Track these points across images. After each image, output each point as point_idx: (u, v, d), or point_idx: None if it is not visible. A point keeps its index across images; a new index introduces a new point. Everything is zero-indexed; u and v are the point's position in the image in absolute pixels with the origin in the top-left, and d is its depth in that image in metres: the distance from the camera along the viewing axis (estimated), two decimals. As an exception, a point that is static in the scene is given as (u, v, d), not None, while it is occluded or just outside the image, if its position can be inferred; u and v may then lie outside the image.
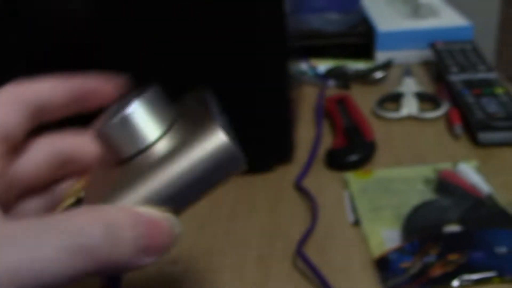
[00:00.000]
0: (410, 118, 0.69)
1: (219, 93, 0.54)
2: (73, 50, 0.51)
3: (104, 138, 0.26)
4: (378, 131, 0.64)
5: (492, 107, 0.65)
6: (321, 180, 0.57)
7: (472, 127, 0.62)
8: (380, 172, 0.56)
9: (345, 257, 0.45)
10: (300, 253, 0.43)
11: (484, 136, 0.60)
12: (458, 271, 0.41)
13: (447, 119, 0.68)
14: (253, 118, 0.56)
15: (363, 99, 0.73)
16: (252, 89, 0.55)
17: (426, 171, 0.56)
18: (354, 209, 0.51)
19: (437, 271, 0.42)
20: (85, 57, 0.51)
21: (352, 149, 0.59)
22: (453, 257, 0.43)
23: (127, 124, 0.26)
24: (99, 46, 0.52)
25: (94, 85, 0.29)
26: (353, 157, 0.58)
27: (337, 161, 0.58)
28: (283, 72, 0.55)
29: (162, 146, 0.26)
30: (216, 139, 0.26)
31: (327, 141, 0.65)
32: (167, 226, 0.23)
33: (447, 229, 0.46)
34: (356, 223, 0.49)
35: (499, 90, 0.68)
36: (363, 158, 0.58)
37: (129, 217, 0.22)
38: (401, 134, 0.66)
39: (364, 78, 0.81)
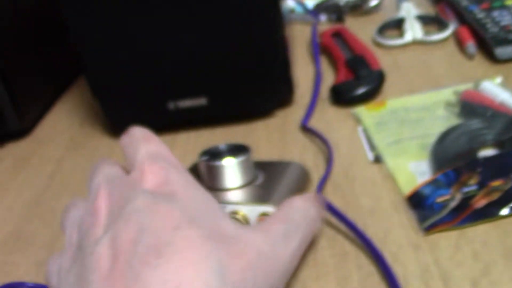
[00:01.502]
0: (415, 43, 0.63)
1: (211, 38, 0.48)
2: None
3: (206, 170, 0.37)
4: (382, 60, 0.57)
5: (505, 19, 0.58)
6: (329, 119, 0.51)
7: (487, 44, 0.56)
8: (394, 102, 0.50)
9: (371, 198, 0.39)
10: (321, 199, 0.37)
11: (502, 51, 0.54)
12: (505, 199, 0.36)
13: (456, 39, 0.61)
14: (249, 61, 0.50)
15: (360, 31, 0.67)
16: (246, 30, 0.48)
17: (445, 95, 0.50)
18: (372, 146, 0.45)
19: (481, 202, 0.36)
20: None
21: (359, 81, 0.53)
22: (496, 183, 0.37)
23: (236, 167, 0.36)
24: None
25: None
26: (362, 89, 0.52)
27: (344, 95, 0.52)
28: (275, 9, 0.49)
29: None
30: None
31: (328, 78, 0.58)
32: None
33: (482, 153, 0.41)
34: (377, 160, 0.43)
35: (509, 1, 0.62)
36: (372, 89, 0.52)
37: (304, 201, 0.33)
38: (408, 60, 0.60)
39: (357, 8, 0.74)
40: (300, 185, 0.38)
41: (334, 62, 0.60)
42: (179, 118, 0.52)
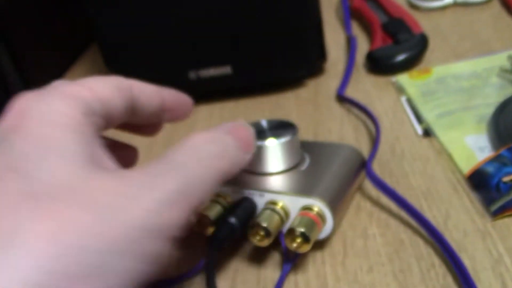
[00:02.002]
0: (456, 4, 0.57)
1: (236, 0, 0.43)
2: None
3: None
4: (421, 24, 0.52)
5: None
6: (367, 89, 0.46)
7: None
8: (441, 69, 0.45)
9: (424, 177, 0.35)
10: (371, 177, 0.33)
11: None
12: None
13: (500, 0, 0.56)
14: (277, 23, 0.45)
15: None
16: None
17: (498, 60, 0.44)
18: (420, 118, 0.40)
19: (556, 181, 0.31)
20: None
21: (399, 46, 0.47)
22: None
23: (280, 148, 0.31)
24: None
25: (182, 99, 0.30)
26: (403, 55, 0.46)
27: (384, 62, 0.47)
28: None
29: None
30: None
31: (361, 44, 0.53)
32: (248, 128, 0.28)
33: (551, 125, 0.36)
34: (426, 133, 0.39)
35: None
36: (415, 55, 0.47)
37: (221, 128, 0.26)
38: (450, 24, 0.54)
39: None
40: (353, 173, 0.33)
41: (367, 27, 0.55)
42: (201, 89, 0.48)
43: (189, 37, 0.45)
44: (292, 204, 0.29)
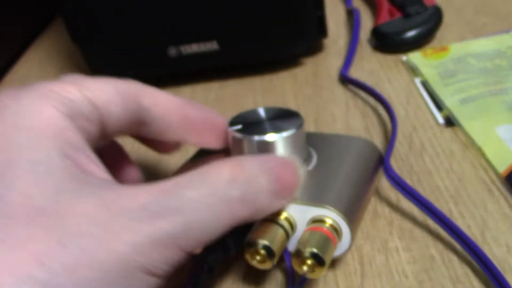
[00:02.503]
0: (467, -26, 0.51)
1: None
2: None
3: (242, 144, 0.24)
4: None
5: None
6: (373, 68, 0.40)
7: None
8: (459, 47, 0.39)
9: (450, 176, 0.29)
10: (391, 177, 0.27)
11: None
12: None
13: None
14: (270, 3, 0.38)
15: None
16: None
17: (524, 37, 0.39)
18: (439, 103, 0.35)
19: None
20: None
21: (410, 20, 0.41)
22: None
23: (279, 144, 0.24)
24: None
25: (213, 119, 0.26)
26: (415, 30, 0.41)
27: (392, 39, 0.41)
28: None
29: None
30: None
31: (364, 19, 0.47)
32: (294, 167, 0.22)
33: None
34: (449, 122, 0.33)
35: None
36: (429, 30, 0.41)
37: (258, 164, 0.20)
38: (462, -4, 0.48)
39: None
40: (370, 173, 0.26)
41: (370, -2, 0.49)
42: (183, 67, 0.41)
43: (167, 6, 0.38)
44: (299, 214, 0.23)
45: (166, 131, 0.24)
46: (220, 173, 0.19)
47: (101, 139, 0.22)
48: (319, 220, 0.22)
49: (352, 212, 0.23)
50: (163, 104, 0.23)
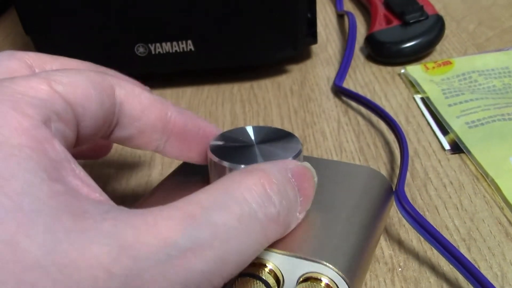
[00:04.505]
0: (467, -17, 0.48)
1: None
2: None
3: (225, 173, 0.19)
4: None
5: None
6: (366, 81, 0.36)
7: None
8: (464, 62, 0.35)
9: (462, 214, 0.25)
10: (412, 219, 0.22)
11: None
12: None
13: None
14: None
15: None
16: None
17: (535, 55, 0.35)
18: (444, 125, 0.30)
19: None
20: None
21: (409, 29, 0.37)
22: None
23: None
24: None
25: (203, 127, 0.21)
26: (415, 40, 0.36)
27: (389, 48, 0.37)
28: None
29: None
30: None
31: (357, 25, 0.43)
32: (311, 174, 0.19)
33: None
34: (455, 147, 0.29)
35: None
36: (429, 41, 0.37)
37: (280, 170, 0.17)
38: (463, 5, 0.45)
39: None
40: (379, 213, 0.21)
41: (364, 3, 0.45)
42: (153, 68, 0.36)
43: (136, 1, 0.33)
44: (288, 268, 0.18)
45: (139, 136, 0.19)
46: (248, 188, 0.15)
47: (75, 145, 0.17)
48: (313, 278, 0.18)
49: (355, 268, 0.18)
50: (140, 102, 0.19)
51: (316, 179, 0.19)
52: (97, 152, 0.24)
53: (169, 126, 0.19)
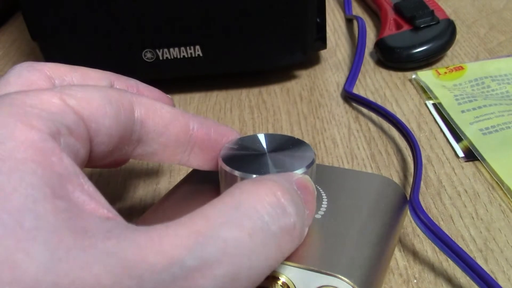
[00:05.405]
0: (477, -13, 0.47)
1: None
2: None
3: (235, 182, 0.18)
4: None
5: None
6: (376, 87, 0.35)
7: None
8: (476, 67, 0.35)
9: (478, 224, 0.24)
10: (425, 225, 0.21)
11: None
12: None
13: (532, -15, 0.46)
14: (265, 4, 0.33)
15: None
16: None
17: (548, 60, 0.34)
18: (457, 132, 0.30)
19: None
20: None
21: (420, 34, 0.37)
22: None
23: None
24: None
25: (227, 133, 0.20)
26: (427, 45, 0.36)
27: (400, 53, 0.36)
28: None
29: None
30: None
31: (367, 30, 0.42)
32: (312, 188, 0.18)
33: None
34: (470, 155, 0.28)
35: None
36: (441, 46, 0.36)
37: (287, 181, 0.16)
38: (473, 9, 0.44)
39: None
40: (394, 224, 0.21)
41: (371, 7, 0.44)
42: (160, 74, 0.36)
43: (143, 4, 0.33)
44: (301, 282, 0.18)
45: (163, 151, 0.19)
46: (259, 198, 0.15)
47: (87, 164, 0.16)
48: None
49: (370, 281, 0.18)
50: (161, 117, 0.18)
51: (316, 193, 0.18)
52: (117, 161, 0.23)
53: (192, 138, 0.19)
